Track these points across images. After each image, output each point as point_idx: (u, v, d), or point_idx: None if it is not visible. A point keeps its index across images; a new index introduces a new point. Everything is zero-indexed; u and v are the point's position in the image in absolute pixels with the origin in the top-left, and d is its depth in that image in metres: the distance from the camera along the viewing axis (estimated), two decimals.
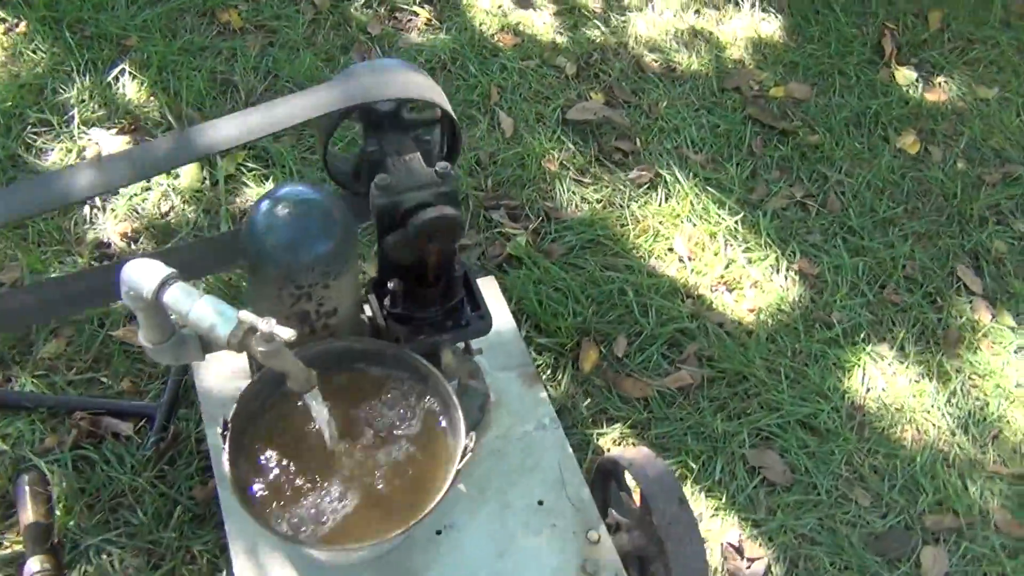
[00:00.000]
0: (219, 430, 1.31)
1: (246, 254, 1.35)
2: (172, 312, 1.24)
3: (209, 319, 1.21)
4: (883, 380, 2.23)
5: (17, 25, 2.68)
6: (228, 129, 1.37)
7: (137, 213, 2.31)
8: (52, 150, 2.41)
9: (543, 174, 2.54)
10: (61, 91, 2.52)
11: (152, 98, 2.56)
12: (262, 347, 1.21)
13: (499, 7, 3.01)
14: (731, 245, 2.45)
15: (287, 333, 1.19)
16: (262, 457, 1.37)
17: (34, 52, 2.62)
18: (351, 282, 1.41)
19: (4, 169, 2.35)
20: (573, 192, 2.51)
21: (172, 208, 2.33)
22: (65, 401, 1.96)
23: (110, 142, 2.44)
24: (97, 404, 1.95)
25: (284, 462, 1.36)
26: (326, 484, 1.34)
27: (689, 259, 2.40)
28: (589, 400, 2.09)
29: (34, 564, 1.68)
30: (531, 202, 2.46)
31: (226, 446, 1.29)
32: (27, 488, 1.78)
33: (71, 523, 1.79)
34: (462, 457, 1.32)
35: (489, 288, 2.08)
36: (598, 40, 2.96)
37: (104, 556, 1.76)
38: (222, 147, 1.38)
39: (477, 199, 2.44)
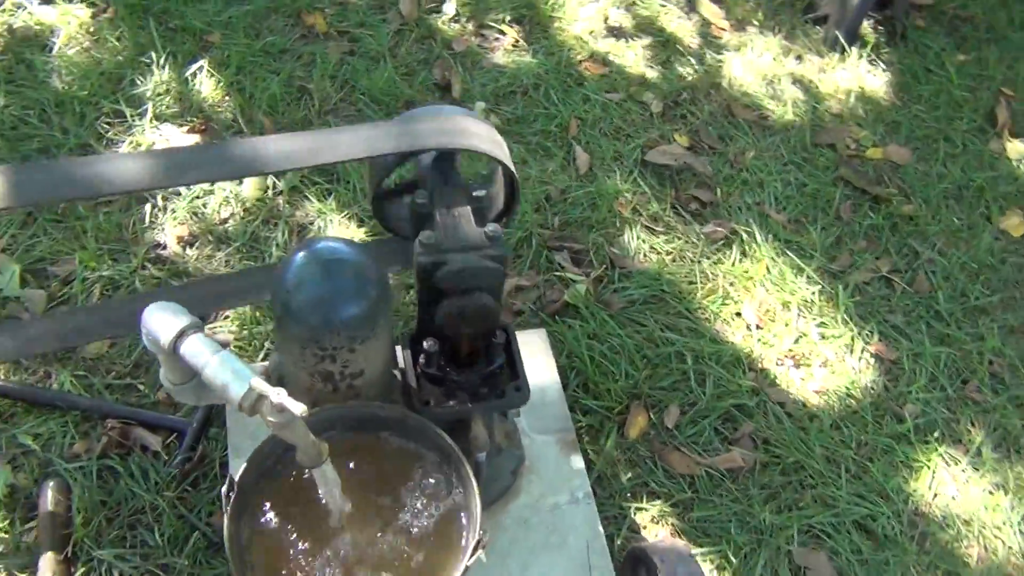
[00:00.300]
0: (224, 489, 1.24)
1: (273, 305, 1.28)
2: (188, 363, 1.19)
3: (222, 379, 1.15)
4: (954, 486, 2.05)
5: (105, 10, 2.68)
6: (274, 148, 1.31)
7: (196, 216, 2.28)
8: (123, 142, 2.39)
9: (613, 218, 2.42)
10: (139, 83, 2.51)
11: (227, 98, 2.53)
12: (272, 417, 1.14)
13: (591, 32, 2.90)
14: (804, 317, 2.29)
15: (299, 408, 1.12)
16: (268, 522, 1.29)
17: (118, 40, 2.61)
18: (381, 346, 1.32)
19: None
20: (643, 240, 2.39)
21: (232, 215, 2.30)
22: (98, 406, 1.94)
23: (180, 140, 2.41)
24: (130, 413, 1.93)
25: (290, 531, 1.29)
26: (330, 561, 1.26)
27: (757, 327, 2.25)
28: (631, 471, 1.97)
29: (46, 573, 1.67)
30: (597, 247, 2.35)
31: (227, 509, 1.22)
32: (50, 495, 1.78)
33: (88, 535, 1.76)
34: (473, 551, 1.23)
35: (538, 342, 1.98)
36: (689, 78, 2.82)
37: (116, 573, 1.73)
38: (261, 171, 1.32)
39: (541, 238, 2.34)
